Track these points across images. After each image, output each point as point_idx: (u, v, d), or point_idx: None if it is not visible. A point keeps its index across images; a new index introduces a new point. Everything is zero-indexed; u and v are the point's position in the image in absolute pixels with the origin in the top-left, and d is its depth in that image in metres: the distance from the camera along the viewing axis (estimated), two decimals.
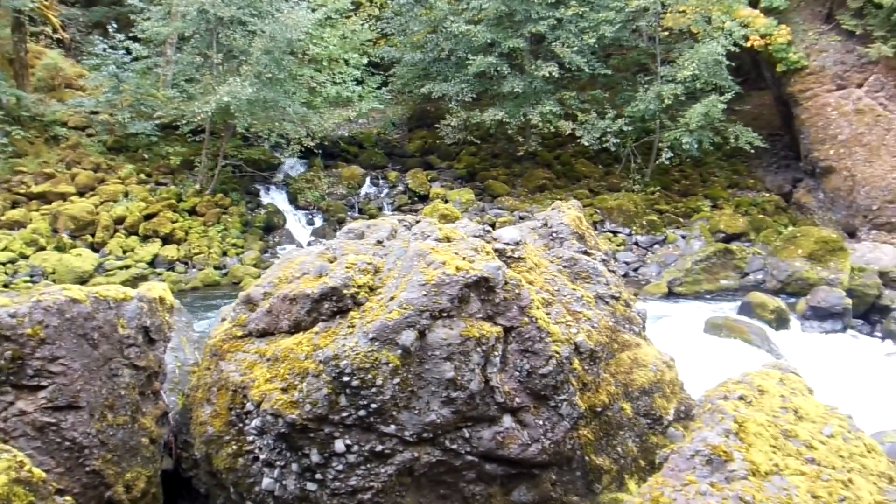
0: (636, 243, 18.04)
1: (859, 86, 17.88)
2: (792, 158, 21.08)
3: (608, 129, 18.92)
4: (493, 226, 15.51)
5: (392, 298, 3.82)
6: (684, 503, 2.69)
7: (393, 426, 3.75)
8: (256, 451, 3.94)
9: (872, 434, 7.80)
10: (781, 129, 21.64)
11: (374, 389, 3.68)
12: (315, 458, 3.79)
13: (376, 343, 3.67)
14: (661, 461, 3.17)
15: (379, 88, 21.41)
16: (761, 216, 18.91)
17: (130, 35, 17.66)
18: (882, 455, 3.13)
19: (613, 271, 5.01)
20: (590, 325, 4.27)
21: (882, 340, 13.28)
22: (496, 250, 4.28)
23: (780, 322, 13.08)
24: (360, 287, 4.03)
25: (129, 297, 4.23)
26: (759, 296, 13.60)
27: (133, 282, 13.44)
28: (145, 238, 15.82)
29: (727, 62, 18.11)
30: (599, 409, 4.28)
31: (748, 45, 18.34)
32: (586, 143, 19.31)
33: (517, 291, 3.97)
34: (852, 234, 17.43)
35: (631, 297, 5.02)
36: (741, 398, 3.17)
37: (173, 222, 16.23)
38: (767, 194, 20.39)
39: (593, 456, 4.27)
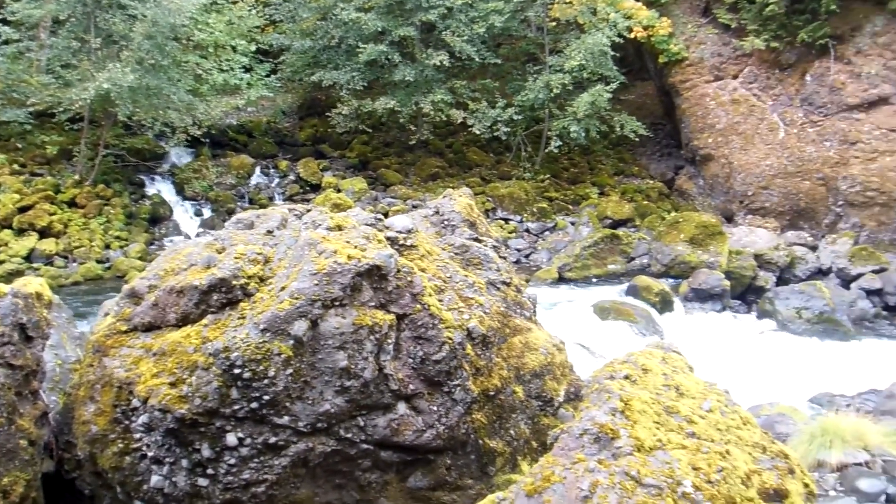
0: (527, 230, 18.38)
1: (735, 77, 18.69)
2: (674, 147, 21.89)
3: (499, 118, 19.16)
4: (386, 214, 15.49)
5: (283, 288, 3.77)
6: (573, 480, 2.77)
7: (286, 417, 3.71)
8: (144, 448, 3.82)
9: (749, 407, 8.22)
10: (664, 119, 22.44)
11: (266, 381, 3.63)
12: (206, 452, 3.71)
13: (268, 334, 3.62)
14: (551, 441, 3.25)
15: (268, 76, 20.97)
16: (646, 202, 19.58)
17: None
18: (756, 427, 3.30)
19: (504, 257, 5.09)
20: (482, 310, 4.33)
21: (758, 319, 13.99)
22: (388, 239, 4.28)
23: (665, 304, 13.59)
24: (249, 278, 3.97)
25: (3, 294, 4.03)
26: (645, 279, 14.09)
27: (7, 278, 12.77)
28: (20, 232, 15.01)
29: (612, 53, 18.62)
30: (492, 393, 4.34)
31: (632, 36, 18.90)
32: (478, 132, 19.51)
33: (409, 279, 3.98)
34: (730, 219, 18.25)
35: (522, 283, 5.12)
36: (626, 377, 3.28)
37: (51, 215, 15.46)
38: (651, 181, 21.13)
39: (487, 439, 4.34)
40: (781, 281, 15.44)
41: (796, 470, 3.13)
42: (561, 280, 15.43)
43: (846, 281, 15.45)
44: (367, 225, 4.37)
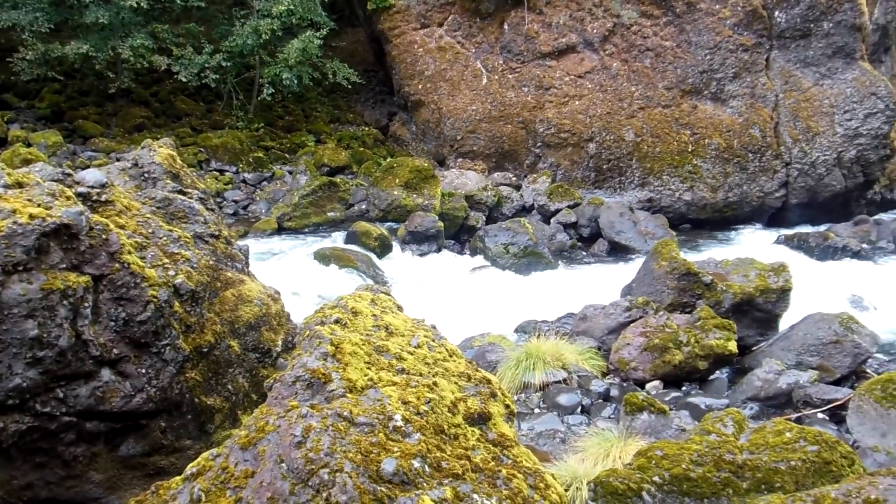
0: (244, 181, 17.91)
1: (440, 25, 19.33)
2: (387, 93, 22.31)
3: (207, 65, 18.33)
4: (87, 168, 14.33)
5: None
6: (287, 428, 2.76)
7: None
8: None
9: (463, 339, 8.74)
10: (376, 66, 22.75)
11: None
12: None
13: None
14: (266, 391, 3.23)
15: None
16: (362, 149, 19.85)
17: None
18: (462, 357, 3.49)
19: (212, 209, 4.91)
20: (189, 265, 4.16)
21: (471, 256, 14.82)
22: (79, 195, 3.95)
23: (384, 248, 13.96)
24: None
25: None
26: (364, 225, 14.36)
27: None
28: None
29: None
30: (206, 350, 4.21)
31: None
32: (184, 80, 18.53)
33: (105, 237, 3.71)
34: (442, 163, 19.02)
35: (232, 235, 4.98)
36: (337, 321, 3.32)
37: None
38: (367, 128, 21.42)
39: (203, 397, 4.22)
40: (490, 219, 16.47)
41: (498, 393, 3.36)
42: (281, 230, 15.30)
43: (546, 216, 16.82)
44: (53, 181, 4.00)
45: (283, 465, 2.65)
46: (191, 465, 2.93)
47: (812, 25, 17.45)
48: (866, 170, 18.07)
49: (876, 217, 17.33)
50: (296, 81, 18.39)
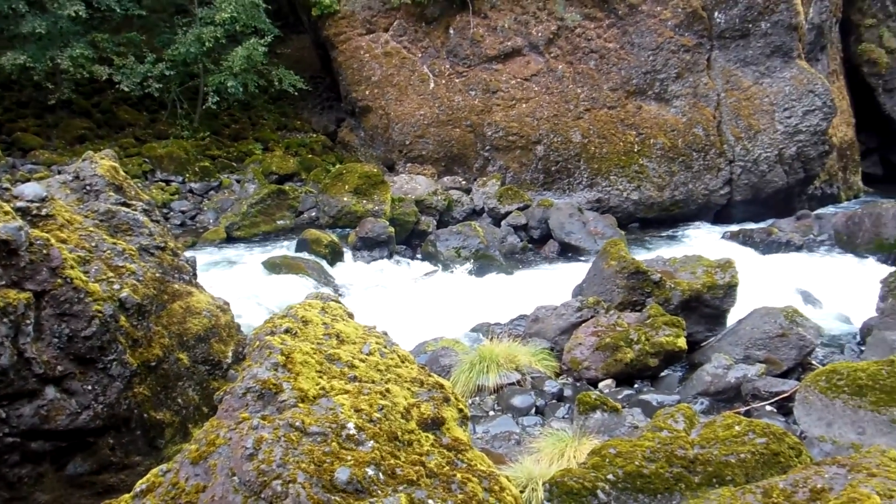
0: (191, 191, 17.66)
1: (386, 30, 19.30)
2: (334, 100, 22.19)
3: (149, 74, 18.04)
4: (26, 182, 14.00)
5: None
6: (238, 440, 2.73)
7: None
8: None
9: (416, 345, 8.73)
10: (322, 72, 22.62)
11: None
12: None
13: None
14: (217, 404, 3.18)
15: None
16: (311, 156, 19.71)
17: None
18: (414, 363, 3.48)
19: (158, 221, 4.84)
20: (134, 278, 4.09)
21: (422, 261, 14.82)
22: (18, 209, 3.86)
23: (335, 255, 13.89)
24: None
25: None
26: (314, 232, 14.27)
27: None
28: None
29: (265, 5, 18.32)
30: (154, 364, 4.15)
31: None
32: (127, 89, 18.22)
33: (46, 252, 3.63)
34: (391, 168, 18.99)
35: (179, 246, 4.91)
36: (287, 331, 3.29)
37: None
38: (315, 135, 21.27)
39: (153, 412, 4.15)
40: (441, 223, 16.51)
41: (451, 398, 3.36)
42: (230, 239, 15.14)
43: (497, 219, 16.90)
44: None
45: (235, 478, 2.62)
46: (140, 481, 2.87)
47: (750, 25, 17.83)
48: (806, 166, 18.50)
49: (817, 212, 17.77)
50: (241, 89, 18.21)
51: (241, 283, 11.55)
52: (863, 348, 8.49)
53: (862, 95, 22.71)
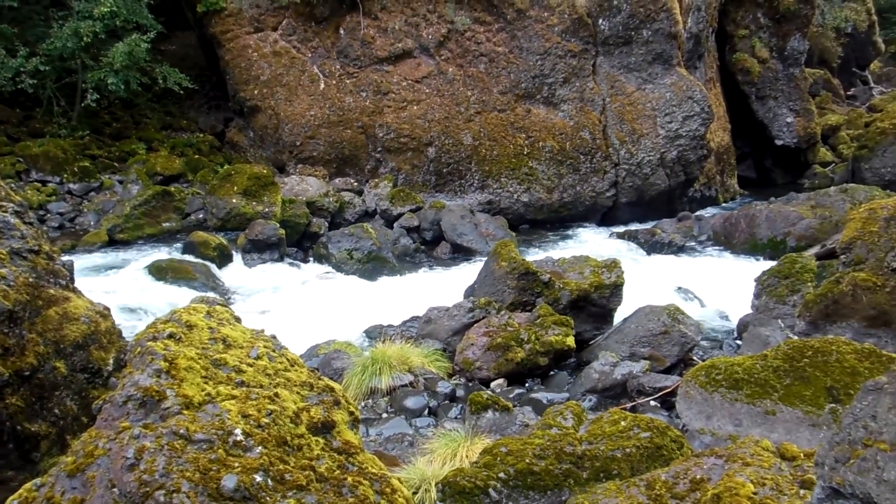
0: (69, 192, 16.90)
1: (274, 29, 18.98)
2: (222, 99, 21.66)
3: (22, 69, 17.14)
4: None
5: None
6: (119, 450, 2.63)
7: None
8: None
9: (308, 348, 8.62)
10: (209, 70, 22.03)
11: None
12: None
13: None
14: (96, 413, 3.05)
15: None
16: (197, 156, 19.17)
17: None
18: (304, 367, 3.43)
19: (31, 223, 4.60)
20: (5, 283, 3.88)
21: (314, 264, 14.66)
22: None
23: (224, 258, 13.58)
24: None
25: None
26: (202, 234, 13.91)
27: None
28: None
29: (148, 0, 17.75)
30: (28, 373, 3.94)
31: None
32: None
33: None
34: (282, 169, 18.69)
35: (54, 249, 4.68)
36: (170, 336, 3.18)
37: None
38: (202, 135, 20.70)
39: (27, 424, 3.94)
40: (333, 225, 16.36)
41: (342, 401, 3.33)
42: (112, 242, 14.59)
43: (389, 221, 16.87)
44: None
45: (115, 489, 2.52)
46: (12, 497, 2.73)
47: (633, 33, 18.40)
48: (686, 169, 19.25)
49: (697, 213, 18.51)
50: (123, 86, 17.54)
51: (124, 288, 11.14)
52: (739, 343, 8.89)
53: (737, 102, 23.81)
